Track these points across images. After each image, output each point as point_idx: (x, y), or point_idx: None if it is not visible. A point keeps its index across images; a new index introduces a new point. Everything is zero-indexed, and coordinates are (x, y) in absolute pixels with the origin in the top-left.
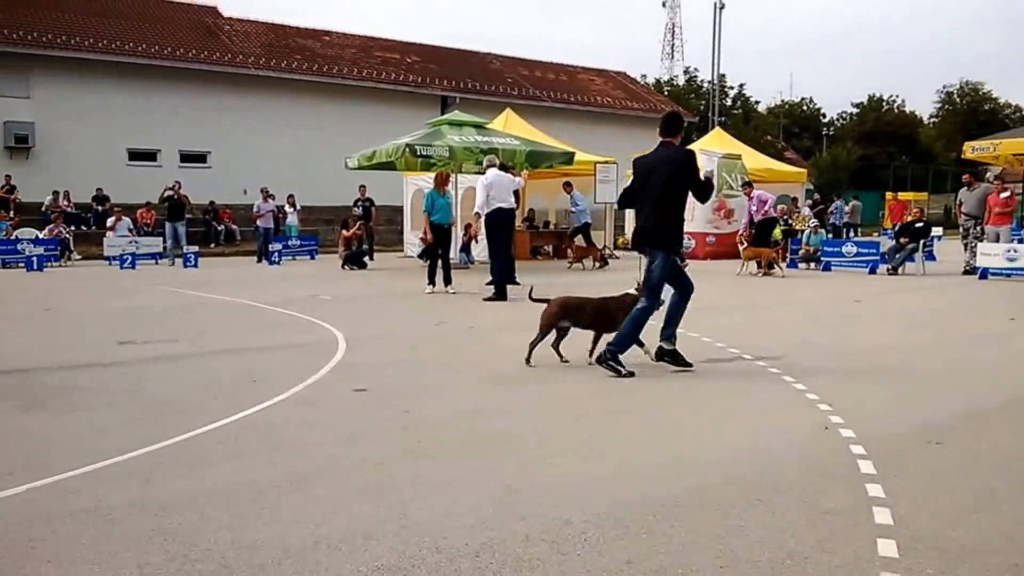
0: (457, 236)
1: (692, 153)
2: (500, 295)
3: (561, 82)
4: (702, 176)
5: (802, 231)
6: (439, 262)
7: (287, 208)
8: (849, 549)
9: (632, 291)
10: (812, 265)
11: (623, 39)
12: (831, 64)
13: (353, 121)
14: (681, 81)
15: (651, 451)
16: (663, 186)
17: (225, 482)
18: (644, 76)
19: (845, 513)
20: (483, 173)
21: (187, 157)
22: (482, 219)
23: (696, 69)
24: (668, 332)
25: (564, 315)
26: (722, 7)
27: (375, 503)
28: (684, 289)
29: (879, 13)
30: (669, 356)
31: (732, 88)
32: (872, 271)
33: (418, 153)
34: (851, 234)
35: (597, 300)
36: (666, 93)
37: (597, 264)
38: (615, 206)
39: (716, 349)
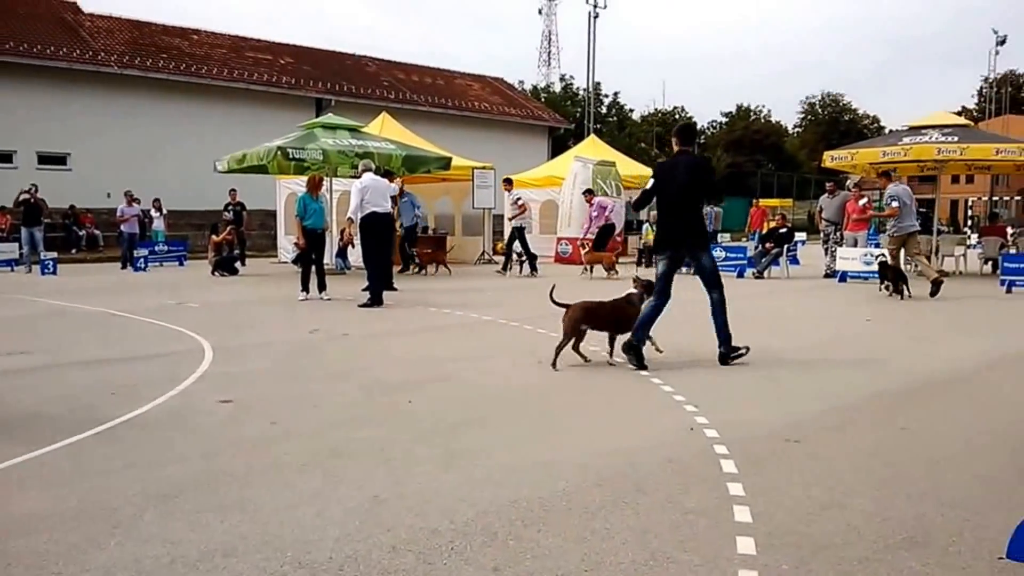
0: (333, 241)
1: (709, 159)
2: (376, 301)
3: (438, 86)
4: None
5: None
6: (313, 268)
7: (153, 212)
8: (710, 548)
9: (633, 290)
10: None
11: (501, 45)
12: (702, 74)
13: (223, 123)
14: (558, 88)
15: (520, 455)
16: (689, 191)
17: (77, 502)
18: (521, 82)
19: (707, 512)
20: (358, 177)
21: (45, 159)
22: (356, 224)
23: (572, 77)
24: (639, 334)
25: (585, 319)
26: (596, 16)
27: (236, 519)
28: (666, 297)
29: (747, 27)
30: (634, 352)
31: (607, 96)
32: (740, 275)
33: (290, 156)
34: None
35: (611, 302)
36: (543, 100)
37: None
38: (634, 210)
39: (590, 352)
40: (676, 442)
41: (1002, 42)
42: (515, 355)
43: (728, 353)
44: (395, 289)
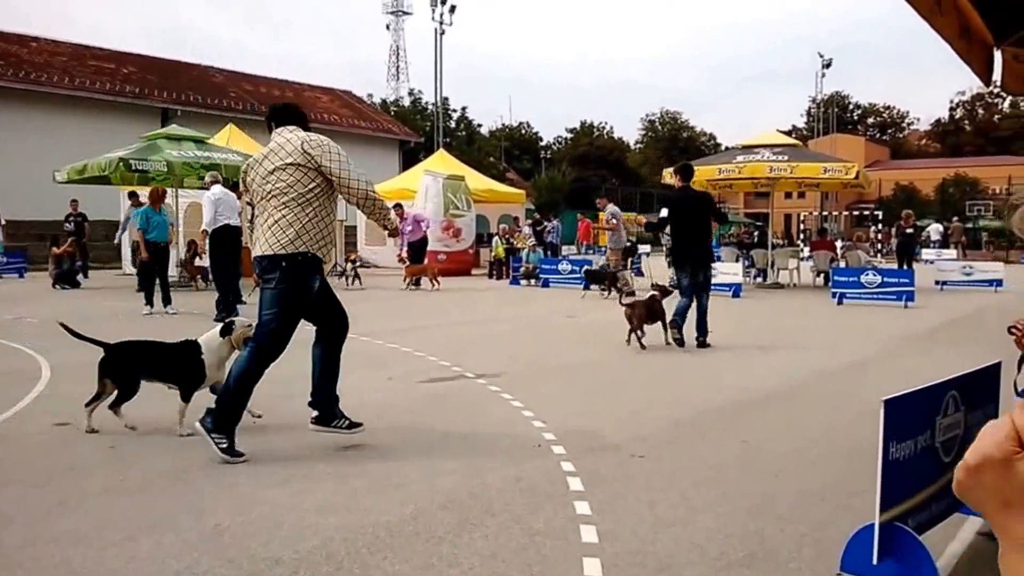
0: (180, 253)
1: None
2: (227, 314)
3: (287, 98)
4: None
5: (522, 249)
6: (157, 281)
7: None
8: (557, 570)
9: (655, 292)
10: (532, 282)
11: (349, 58)
12: (547, 91)
13: (65, 132)
14: (407, 102)
15: (368, 478)
16: (701, 220)
17: None
18: (370, 96)
19: (554, 533)
20: (207, 188)
21: None
22: (208, 236)
23: (421, 91)
24: (677, 320)
25: (648, 313)
26: (442, 33)
27: (69, 551)
28: (691, 299)
29: (589, 45)
30: (677, 329)
31: (456, 111)
32: (586, 287)
33: (133, 168)
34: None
35: (649, 300)
36: (393, 113)
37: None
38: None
39: (439, 367)
40: (524, 459)
41: (827, 65)
42: (364, 371)
43: (704, 339)
44: (243, 302)
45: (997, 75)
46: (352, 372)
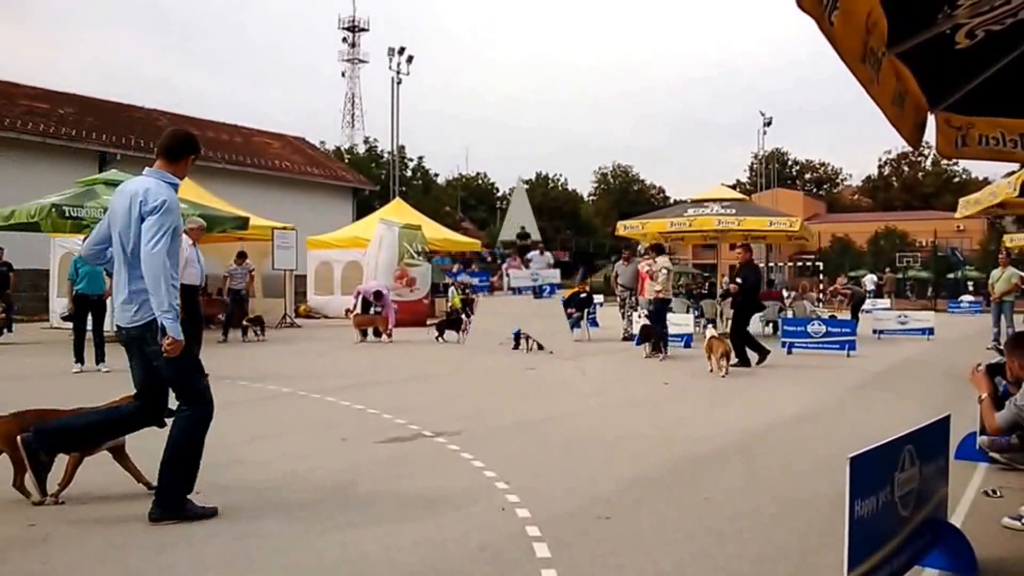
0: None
1: None
2: None
3: (236, 144)
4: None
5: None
6: (87, 335)
7: None
8: None
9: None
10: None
11: (302, 105)
12: (503, 142)
13: None
14: (362, 150)
15: (322, 553)
16: None
17: None
18: (323, 143)
19: None
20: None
21: None
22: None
23: (376, 139)
24: None
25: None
26: (399, 83)
27: None
28: None
29: (543, 98)
30: None
31: (412, 160)
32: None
33: (67, 215)
34: None
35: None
36: (347, 161)
37: None
38: None
39: (396, 426)
40: (488, 525)
41: (768, 123)
42: (315, 432)
43: None
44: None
45: (931, 139)
46: (303, 433)
